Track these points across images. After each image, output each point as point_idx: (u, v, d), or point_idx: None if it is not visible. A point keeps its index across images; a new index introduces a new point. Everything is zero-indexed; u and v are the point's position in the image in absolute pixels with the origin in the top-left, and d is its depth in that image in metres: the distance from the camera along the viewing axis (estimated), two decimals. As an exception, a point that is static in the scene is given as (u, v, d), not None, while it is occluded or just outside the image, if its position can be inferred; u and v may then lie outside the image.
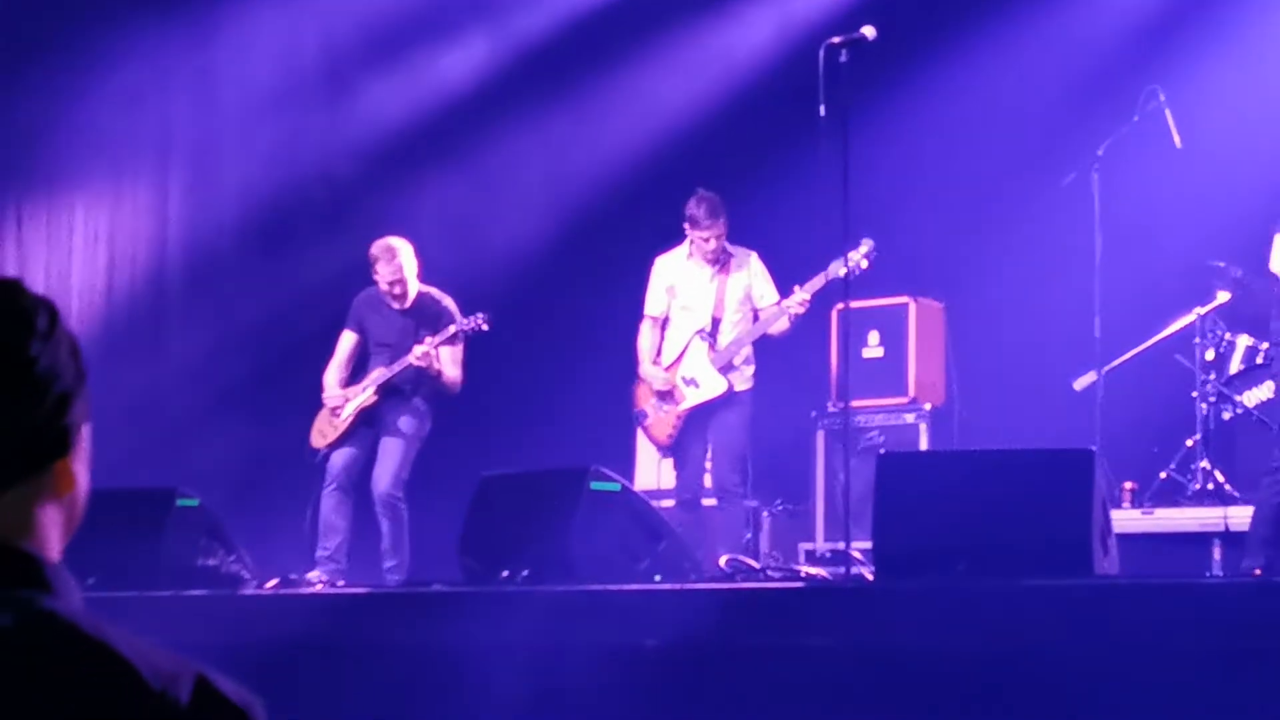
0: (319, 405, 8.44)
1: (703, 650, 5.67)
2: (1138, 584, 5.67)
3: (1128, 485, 8.17)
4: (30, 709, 1.39)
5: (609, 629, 5.79)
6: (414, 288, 8.35)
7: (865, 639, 5.50)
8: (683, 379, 8.20)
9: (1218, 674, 4.93)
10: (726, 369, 8.14)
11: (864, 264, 7.88)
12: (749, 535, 8.73)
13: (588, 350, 9.49)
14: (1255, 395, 8.02)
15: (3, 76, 9.91)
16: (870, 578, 6.18)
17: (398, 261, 8.27)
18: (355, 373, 8.47)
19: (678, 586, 6.31)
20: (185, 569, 7.11)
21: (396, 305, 8.35)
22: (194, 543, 7.25)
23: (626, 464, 9.02)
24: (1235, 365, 8.11)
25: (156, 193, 10.41)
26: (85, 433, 1.56)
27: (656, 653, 5.67)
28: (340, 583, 7.78)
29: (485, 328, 8.22)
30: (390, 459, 8.23)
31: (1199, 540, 7.70)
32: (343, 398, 8.36)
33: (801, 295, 7.97)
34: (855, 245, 7.76)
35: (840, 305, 7.75)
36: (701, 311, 8.21)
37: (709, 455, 8.27)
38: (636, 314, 8.40)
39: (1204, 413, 8.09)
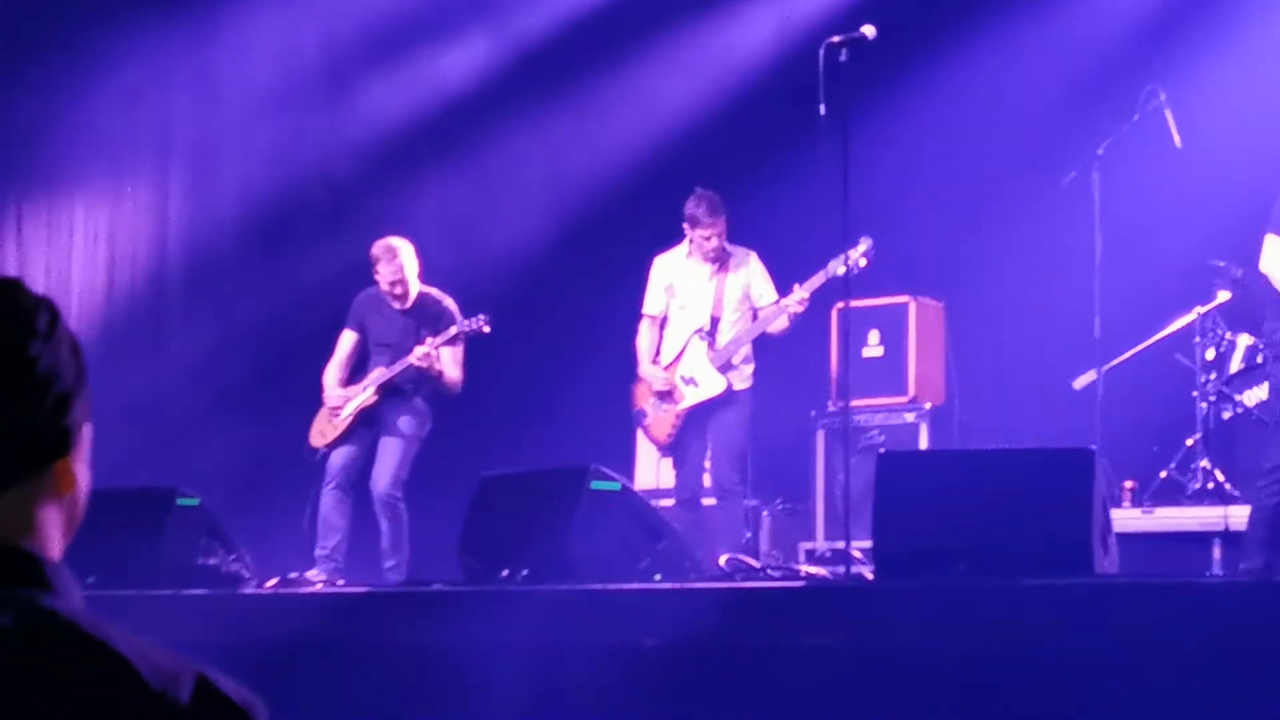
0: (319, 405, 8.44)
1: (703, 649, 5.67)
2: (1138, 583, 5.66)
3: (1128, 484, 8.17)
4: (31, 708, 1.39)
5: (609, 628, 5.79)
6: (415, 288, 8.35)
7: (865, 638, 5.50)
8: (682, 378, 8.20)
9: (1218, 673, 4.94)
10: (725, 368, 8.14)
11: (862, 262, 7.88)
12: (749, 534, 8.72)
13: (588, 350, 9.49)
14: (1255, 394, 8.01)
15: (3, 76, 9.91)
16: (870, 577, 6.18)
17: (399, 261, 8.28)
18: (355, 372, 8.47)
19: (678, 586, 6.31)
20: (185, 568, 7.11)
21: (397, 305, 8.36)
22: (194, 542, 7.25)
23: (626, 463, 9.02)
24: (1235, 364, 8.11)
25: (157, 192, 10.41)
26: (86, 432, 1.56)
27: (656, 652, 5.67)
28: (340, 582, 7.78)
29: (486, 329, 8.22)
30: (389, 459, 8.23)
31: (1199, 540, 7.70)
32: (343, 398, 8.36)
33: (800, 294, 7.97)
34: (854, 244, 7.76)
35: (840, 304, 7.75)
36: (700, 311, 8.21)
37: (708, 454, 8.27)
38: (636, 313, 8.40)
39: (1204, 412, 8.09)
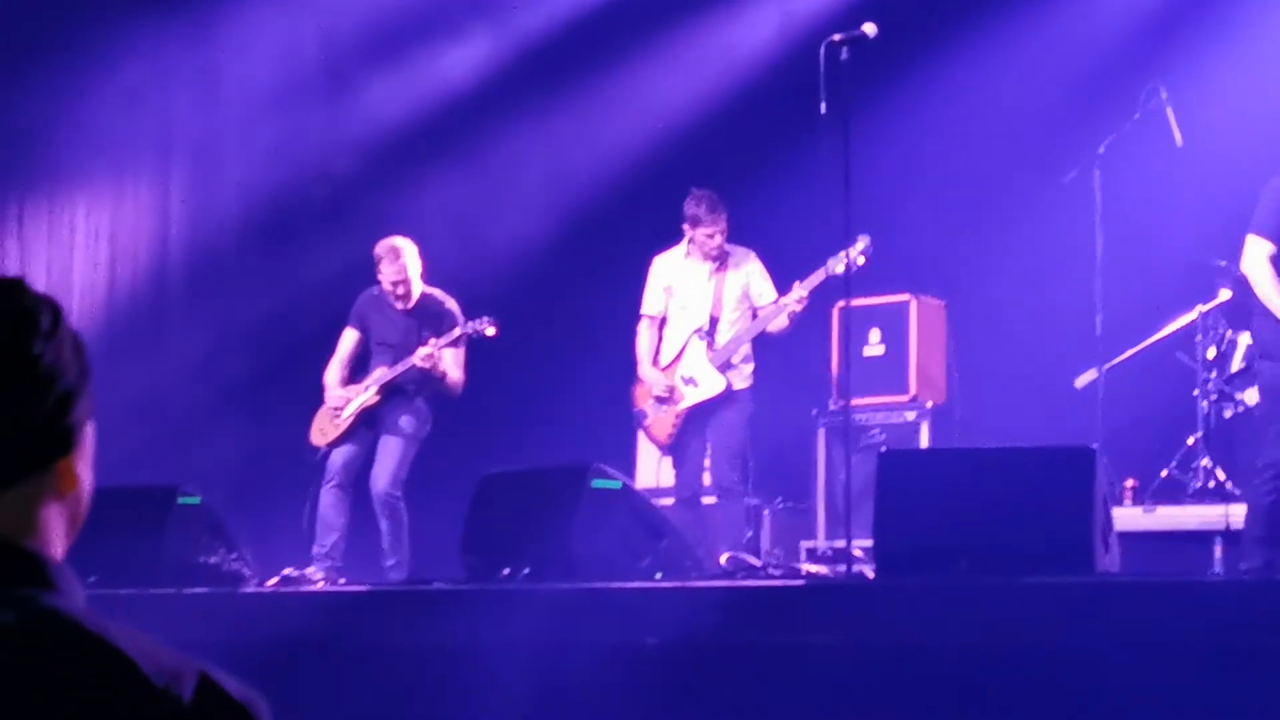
0: (320, 403, 8.45)
1: (704, 648, 5.67)
2: (1139, 582, 5.67)
3: (1129, 483, 8.16)
4: (33, 707, 1.39)
5: (610, 626, 5.79)
6: (418, 288, 8.35)
7: (866, 637, 5.50)
8: (681, 378, 8.20)
9: (1219, 672, 4.93)
10: (725, 367, 8.14)
11: (860, 260, 7.87)
12: (750, 533, 8.72)
13: (589, 349, 9.48)
14: (1256, 393, 8.00)
15: (4, 75, 9.91)
16: (871, 575, 6.18)
17: (401, 261, 8.28)
18: (356, 372, 8.48)
19: (679, 584, 6.31)
20: (187, 566, 7.12)
21: (400, 305, 8.36)
22: (195, 540, 7.25)
23: (627, 462, 9.02)
24: (1237, 363, 8.10)
25: (158, 191, 10.42)
26: (89, 431, 1.56)
27: (658, 650, 5.67)
28: (342, 580, 7.78)
29: (490, 331, 8.21)
30: (389, 458, 8.23)
31: (1200, 538, 7.70)
32: (344, 397, 8.36)
33: (799, 292, 7.97)
34: (853, 242, 7.75)
35: (841, 303, 7.75)
36: (699, 310, 8.22)
37: (708, 453, 8.27)
38: (637, 313, 8.40)
39: (1205, 411, 8.09)
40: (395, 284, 8.30)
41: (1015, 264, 9.11)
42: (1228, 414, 8.09)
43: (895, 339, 8.99)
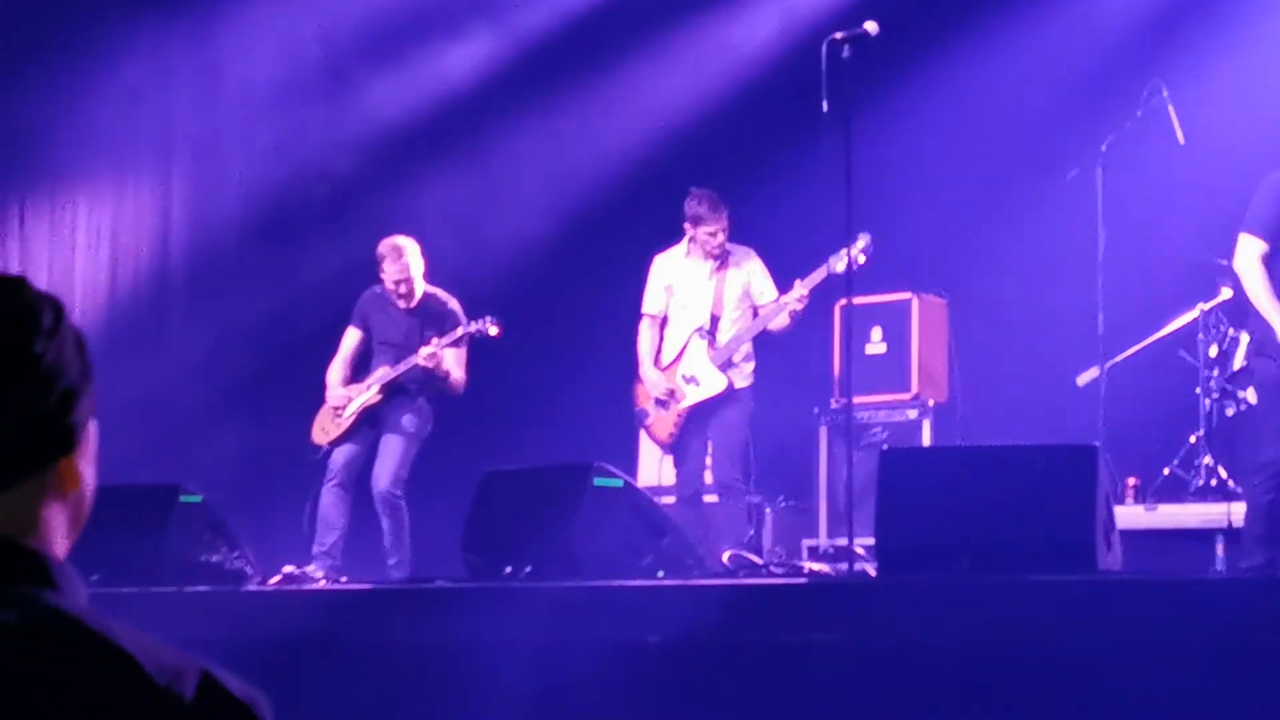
0: (321, 402, 8.45)
1: (706, 646, 5.67)
2: (1141, 580, 5.66)
3: (1131, 481, 8.17)
4: (35, 705, 1.39)
5: (612, 625, 5.79)
6: (420, 287, 8.35)
7: (868, 635, 5.50)
8: (683, 377, 8.20)
9: (1221, 670, 4.93)
10: (726, 366, 8.14)
11: (861, 258, 7.87)
12: (752, 531, 8.72)
13: (591, 347, 9.48)
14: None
15: (5, 74, 9.91)
16: (873, 574, 6.18)
17: (404, 260, 8.28)
18: (357, 371, 8.48)
19: (681, 582, 6.31)
20: (188, 565, 7.11)
21: (402, 304, 8.36)
22: (197, 539, 7.25)
23: (629, 461, 9.02)
24: (1238, 361, 8.10)
25: (159, 190, 10.41)
26: (91, 430, 1.56)
27: (660, 648, 5.67)
28: (344, 579, 7.78)
29: (494, 331, 8.21)
30: (391, 458, 8.23)
31: (1202, 536, 7.69)
32: (346, 396, 8.36)
33: (800, 290, 7.98)
34: (854, 240, 7.75)
35: (843, 301, 7.75)
36: (700, 309, 8.22)
37: (710, 452, 8.27)
38: (639, 311, 8.40)
39: (1207, 409, 8.09)
40: (398, 283, 8.30)
41: (1017, 262, 9.11)
42: (1230, 412, 8.08)
43: (897, 337, 8.99)
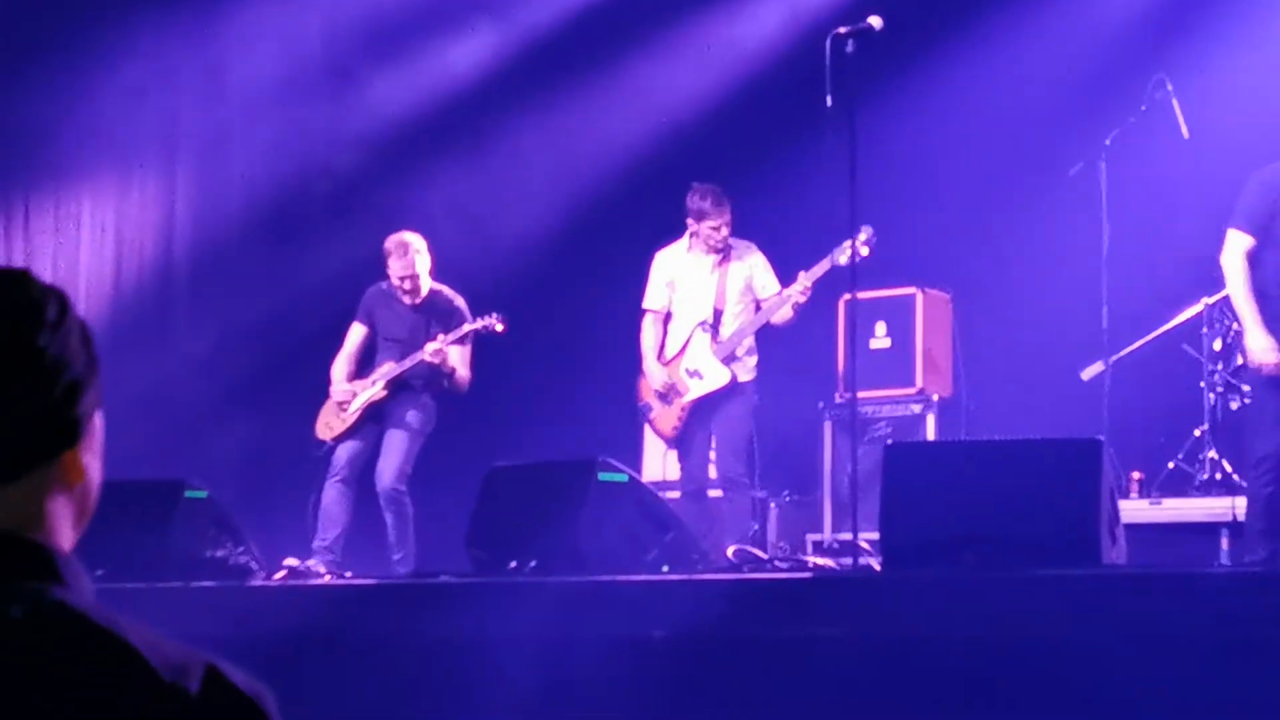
0: (326, 398, 8.45)
1: (710, 641, 5.67)
2: (1145, 574, 5.66)
3: (1135, 475, 8.16)
4: (41, 699, 1.39)
5: (617, 619, 5.79)
6: (426, 284, 8.36)
7: (872, 629, 5.50)
8: (686, 371, 8.20)
9: (1226, 664, 4.93)
10: (729, 360, 8.14)
11: (864, 251, 7.86)
12: (756, 526, 8.73)
13: (595, 342, 9.49)
14: (1260, 385, 7.99)
15: (9, 72, 9.91)
16: (877, 568, 6.18)
17: (410, 257, 8.28)
18: (362, 366, 8.48)
19: (685, 577, 6.31)
20: (193, 560, 7.12)
21: (408, 300, 8.36)
22: (202, 534, 7.26)
23: (634, 455, 9.03)
24: (1243, 356, 8.09)
25: (163, 186, 10.42)
26: (97, 422, 1.56)
27: (664, 643, 5.67)
28: (349, 574, 7.78)
29: (499, 328, 8.21)
30: (394, 453, 8.24)
31: (1207, 530, 7.69)
32: (350, 392, 8.37)
33: (803, 282, 7.97)
34: (856, 233, 7.74)
35: (847, 296, 7.75)
36: (703, 304, 8.22)
37: (714, 446, 8.27)
38: (642, 307, 8.40)
39: (1211, 403, 8.08)
40: (403, 279, 8.30)
41: (1021, 256, 9.11)
42: (1234, 406, 8.07)
43: (901, 331, 8.99)
